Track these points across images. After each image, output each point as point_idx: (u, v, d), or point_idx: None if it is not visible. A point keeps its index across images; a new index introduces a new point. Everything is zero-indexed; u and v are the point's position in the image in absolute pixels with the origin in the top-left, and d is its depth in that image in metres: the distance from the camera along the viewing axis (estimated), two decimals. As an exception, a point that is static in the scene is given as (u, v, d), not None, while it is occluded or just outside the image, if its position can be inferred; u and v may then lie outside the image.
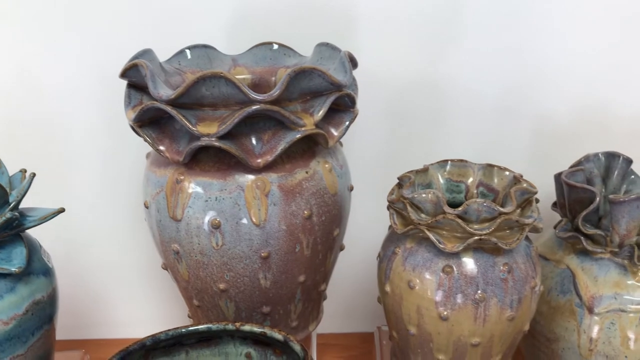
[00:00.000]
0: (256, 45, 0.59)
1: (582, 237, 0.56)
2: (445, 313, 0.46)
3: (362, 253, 0.69)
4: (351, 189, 0.54)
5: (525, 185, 0.47)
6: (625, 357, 0.53)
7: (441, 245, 0.45)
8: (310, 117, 0.46)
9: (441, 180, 0.53)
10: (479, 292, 0.45)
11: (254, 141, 0.46)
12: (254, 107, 0.43)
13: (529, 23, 0.64)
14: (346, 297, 0.76)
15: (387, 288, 0.50)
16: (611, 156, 0.61)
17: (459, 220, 0.44)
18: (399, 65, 0.66)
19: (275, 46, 0.58)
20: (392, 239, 0.51)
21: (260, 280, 0.50)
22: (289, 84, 0.44)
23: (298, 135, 0.46)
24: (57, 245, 0.61)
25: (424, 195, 0.45)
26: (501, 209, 0.44)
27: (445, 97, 0.67)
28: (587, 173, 0.60)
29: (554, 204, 0.60)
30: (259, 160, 0.46)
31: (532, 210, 0.46)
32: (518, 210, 0.47)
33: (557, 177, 0.57)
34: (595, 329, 0.54)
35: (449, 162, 0.54)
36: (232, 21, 0.64)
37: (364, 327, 0.76)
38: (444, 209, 0.45)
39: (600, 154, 0.61)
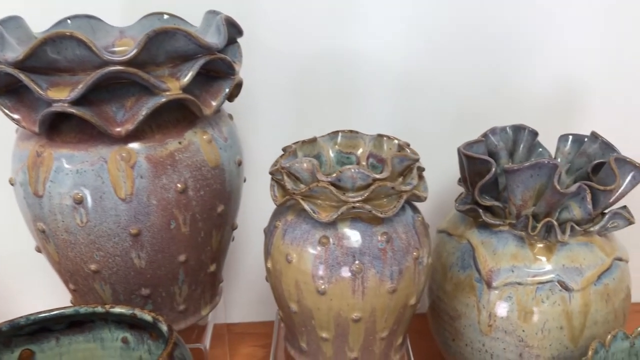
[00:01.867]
0: (145, 16, 0.56)
1: (480, 210, 0.54)
2: (322, 287, 0.43)
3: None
4: (239, 163, 0.52)
5: (406, 152, 0.45)
6: (523, 331, 0.51)
7: (315, 215, 0.42)
8: (177, 81, 0.43)
9: (331, 152, 0.51)
10: (356, 262, 0.43)
11: (115, 108, 0.43)
12: (108, 69, 0.40)
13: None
14: (262, 284, 0.73)
15: (269, 264, 0.47)
16: (517, 129, 0.60)
17: (332, 188, 0.42)
18: (303, 40, 0.64)
19: (166, 16, 0.55)
20: (276, 213, 0.48)
21: (134, 260, 0.47)
22: (147, 44, 0.41)
23: (162, 100, 0.43)
24: None
25: (297, 164, 0.43)
26: (375, 176, 0.42)
27: (351, 73, 0.65)
28: (492, 146, 0.59)
29: (460, 179, 0.58)
30: (119, 129, 0.43)
31: (412, 178, 0.44)
32: (400, 179, 0.45)
33: (459, 151, 0.56)
34: (494, 303, 0.52)
35: (340, 133, 0.51)
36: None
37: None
38: (317, 177, 0.42)
39: (507, 128, 0.60)
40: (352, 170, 0.41)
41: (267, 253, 0.47)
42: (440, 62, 0.66)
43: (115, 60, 0.40)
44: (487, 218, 0.54)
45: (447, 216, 0.60)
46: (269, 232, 0.48)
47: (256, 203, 0.59)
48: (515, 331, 0.52)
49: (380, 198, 0.43)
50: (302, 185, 0.44)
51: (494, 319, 0.52)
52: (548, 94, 0.69)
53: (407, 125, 0.68)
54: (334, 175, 0.42)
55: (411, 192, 0.43)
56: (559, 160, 0.59)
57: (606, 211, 0.52)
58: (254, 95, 0.63)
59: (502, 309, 0.52)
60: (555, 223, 0.50)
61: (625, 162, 0.51)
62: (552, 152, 0.59)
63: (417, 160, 0.45)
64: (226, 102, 0.54)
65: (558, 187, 0.48)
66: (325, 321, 0.45)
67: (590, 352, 0.46)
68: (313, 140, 0.49)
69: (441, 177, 0.68)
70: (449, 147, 0.60)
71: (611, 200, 0.52)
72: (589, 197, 0.49)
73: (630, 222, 0.52)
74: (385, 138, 0.49)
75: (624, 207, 0.54)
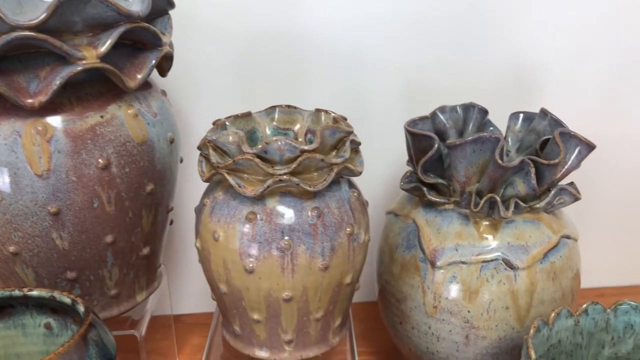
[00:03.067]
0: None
1: (425, 188, 0.52)
2: (250, 265, 0.41)
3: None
4: (171, 140, 0.49)
5: (339, 124, 0.43)
6: (468, 311, 0.50)
7: (241, 189, 0.40)
8: (94, 50, 0.41)
9: (267, 129, 0.49)
10: (285, 239, 0.41)
11: (28, 79, 0.41)
12: (14, 34, 0.38)
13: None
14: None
15: (198, 244, 0.45)
16: (467, 108, 0.58)
17: (258, 160, 0.39)
18: (247, 17, 0.61)
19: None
20: (206, 191, 0.46)
21: (56, 241, 0.44)
22: (59, 9, 0.38)
23: (77, 69, 0.40)
24: None
25: (223, 137, 0.41)
26: (304, 147, 0.40)
27: (296, 52, 0.63)
28: (440, 125, 0.57)
29: (408, 160, 0.57)
30: (31, 100, 0.40)
31: (345, 151, 0.42)
32: (333, 152, 0.43)
33: (404, 128, 0.54)
34: (438, 284, 0.51)
35: (277, 108, 0.49)
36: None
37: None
38: (242, 149, 0.40)
39: (458, 107, 0.58)
40: (280, 142, 0.39)
41: (197, 232, 0.45)
42: (390, 40, 0.64)
43: (23, 25, 0.38)
44: (432, 196, 0.52)
45: (397, 197, 0.59)
46: (198, 210, 0.46)
47: (197, 185, 0.57)
48: (460, 312, 0.50)
49: (310, 172, 0.41)
50: (228, 159, 0.42)
51: (439, 300, 0.51)
52: (503, 73, 0.67)
53: (356, 106, 0.66)
54: (260, 146, 0.40)
55: (343, 166, 0.42)
56: (509, 139, 0.58)
57: (552, 187, 0.51)
58: (196, 74, 0.61)
59: (446, 290, 0.50)
60: (498, 199, 0.48)
61: (570, 137, 0.50)
62: (504, 131, 0.58)
63: (350, 133, 0.43)
64: (164, 79, 0.52)
65: (499, 160, 0.47)
66: (256, 302, 0.43)
67: (532, 330, 0.45)
68: (247, 115, 0.47)
69: (395, 158, 0.67)
70: (401, 127, 0.58)
71: (557, 176, 0.51)
72: (532, 172, 0.48)
73: (576, 198, 0.51)
74: (323, 113, 0.48)
75: (571, 183, 0.53)
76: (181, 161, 0.53)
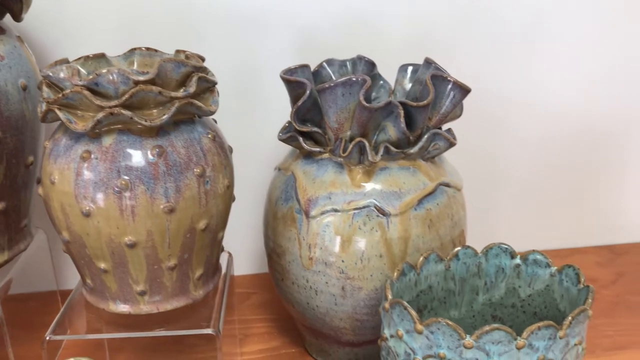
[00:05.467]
0: None
1: (301, 138, 0.51)
2: (87, 208, 0.39)
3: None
4: (24, 87, 0.46)
5: (181, 57, 0.41)
6: (343, 261, 0.48)
7: (72, 125, 0.38)
8: None
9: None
10: (123, 178, 0.38)
11: None
12: None
13: None
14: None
15: (40, 191, 0.42)
16: (355, 61, 0.57)
17: (87, 93, 0.37)
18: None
19: None
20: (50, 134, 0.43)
21: None
22: None
23: None
24: None
25: (56, 71, 0.38)
26: (138, 78, 0.37)
27: (185, 10, 0.61)
28: (327, 78, 0.56)
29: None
30: None
31: (190, 86, 0.40)
32: (182, 90, 0.41)
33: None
34: (313, 234, 0.49)
35: (137, 51, 0.47)
36: None
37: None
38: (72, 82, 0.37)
39: (347, 61, 0.57)
40: (112, 74, 0.37)
41: (38, 179, 0.42)
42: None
43: None
44: (307, 145, 0.50)
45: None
46: (41, 155, 0.43)
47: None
48: (335, 263, 0.48)
49: (150, 107, 0.39)
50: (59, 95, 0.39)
51: (314, 251, 0.49)
52: (405, 29, 0.66)
53: (251, 63, 0.64)
54: (90, 78, 0.37)
55: (187, 101, 0.39)
56: (398, 92, 0.56)
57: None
58: (76, 24, 0.58)
59: (320, 240, 0.49)
60: (367, 143, 0.47)
61: (443, 80, 0.48)
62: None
63: (200, 68, 0.41)
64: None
65: (364, 102, 0.45)
66: (99, 248, 0.40)
67: (396, 273, 0.43)
68: (100, 56, 0.44)
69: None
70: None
71: (433, 122, 0.49)
72: (401, 115, 0.46)
73: (451, 143, 0.50)
74: (183, 54, 0.45)
75: (449, 130, 0.52)
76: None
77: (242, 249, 0.71)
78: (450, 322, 0.36)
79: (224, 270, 0.51)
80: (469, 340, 0.36)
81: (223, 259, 0.53)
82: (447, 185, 0.51)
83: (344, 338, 0.52)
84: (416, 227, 0.48)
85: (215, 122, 0.47)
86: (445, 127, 0.52)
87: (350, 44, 0.64)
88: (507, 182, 0.73)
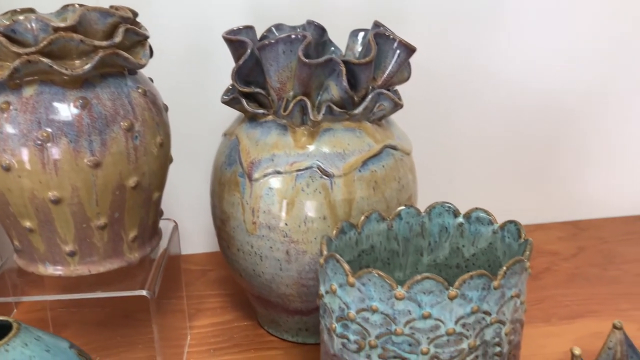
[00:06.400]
0: None
1: (244, 100, 0.49)
2: (7, 161, 0.37)
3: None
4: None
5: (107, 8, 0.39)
6: (286, 224, 0.47)
7: (-12, 75, 0.36)
8: None
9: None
10: (44, 129, 0.37)
11: None
12: None
13: None
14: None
15: (-37, 147, 0.40)
16: (306, 26, 0.55)
17: (3, 39, 0.36)
18: None
19: None
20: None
21: None
22: None
23: None
24: None
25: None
26: (57, 24, 0.36)
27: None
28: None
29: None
30: None
31: (116, 36, 0.38)
32: (112, 41, 0.39)
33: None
34: (256, 197, 0.48)
35: (70, 7, 0.45)
36: None
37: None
38: (-11, 30, 0.36)
39: (298, 27, 0.56)
40: (30, 20, 0.36)
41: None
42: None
43: None
44: (250, 107, 0.49)
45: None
46: (-33, 112, 0.41)
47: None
48: (278, 226, 0.47)
49: (72, 57, 0.37)
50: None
51: (257, 215, 0.48)
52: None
53: (207, 32, 0.63)
54: (7, 24, 0.36)
55: (112, 51, 0.38)
56: (348, 57, 0.55)
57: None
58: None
59: (264, 203, 0.47)
60: (308, 101, 0.46)
61: (388, 39, 0.48)
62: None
63: (128, 19, 0.39)
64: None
65: (303, 57, 0.44)
66: (22, 205, 0.39)
67: (335, 231, 0.42)
68: (28, 11, 0.43)
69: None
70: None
71: (379, 82, 0.48)
72: (343, 73, 0.45)
73: (396, 104, 0.49)
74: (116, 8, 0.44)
75: (395, 90, 0.51)
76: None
77: (199, 226, 0.70)
78: (381, 273, 0.35)
79: (167, 238, 0.50)
80: (400, 290, 0.35)
81: (168, 228, 0.52)
82: (394, 147, 0.50)
83: (292, 306, 0.51)
84: (360, 189, 0.47)
85: (152, 80, 0.45)
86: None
87: (303, 13, 0.63)
88: (467, 152, 0.72)
